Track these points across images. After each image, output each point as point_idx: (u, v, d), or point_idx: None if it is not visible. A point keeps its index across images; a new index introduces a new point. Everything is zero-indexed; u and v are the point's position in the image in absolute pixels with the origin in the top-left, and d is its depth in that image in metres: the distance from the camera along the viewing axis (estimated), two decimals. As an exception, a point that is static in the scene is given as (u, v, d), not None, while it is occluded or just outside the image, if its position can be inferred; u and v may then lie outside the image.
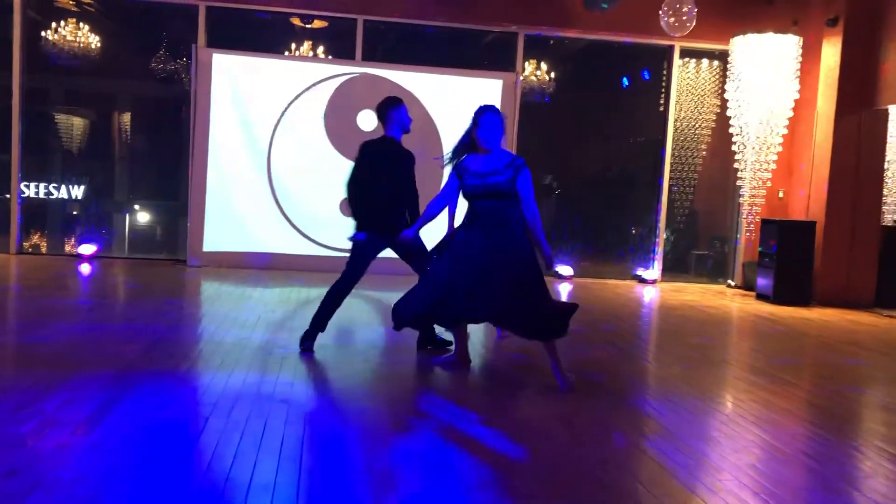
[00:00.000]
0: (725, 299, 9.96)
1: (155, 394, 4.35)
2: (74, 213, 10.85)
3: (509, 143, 10.24)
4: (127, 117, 11.28)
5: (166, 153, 11.21)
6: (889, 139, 10.04)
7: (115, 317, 6.88)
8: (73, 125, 11.17)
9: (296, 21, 10.73)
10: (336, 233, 10.25)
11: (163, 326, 6.24)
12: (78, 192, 10.71)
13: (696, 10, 8.33)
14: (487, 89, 10.43)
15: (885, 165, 10.06)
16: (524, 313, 4.82)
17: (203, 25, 10.13)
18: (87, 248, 10.21)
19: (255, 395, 4.44)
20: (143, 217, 11.33)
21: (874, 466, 3.92)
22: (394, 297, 8.52)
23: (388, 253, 10.69)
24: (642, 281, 10.91)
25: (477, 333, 6.58)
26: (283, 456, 3.52)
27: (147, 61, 10.66)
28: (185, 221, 10.22)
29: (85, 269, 9.44)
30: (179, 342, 5.75)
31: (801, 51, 9.86)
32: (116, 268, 9.72)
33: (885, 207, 10.20)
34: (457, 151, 5.05)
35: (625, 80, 11.60)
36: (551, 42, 11.12)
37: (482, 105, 5.04)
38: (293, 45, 10.94)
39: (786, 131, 9.94)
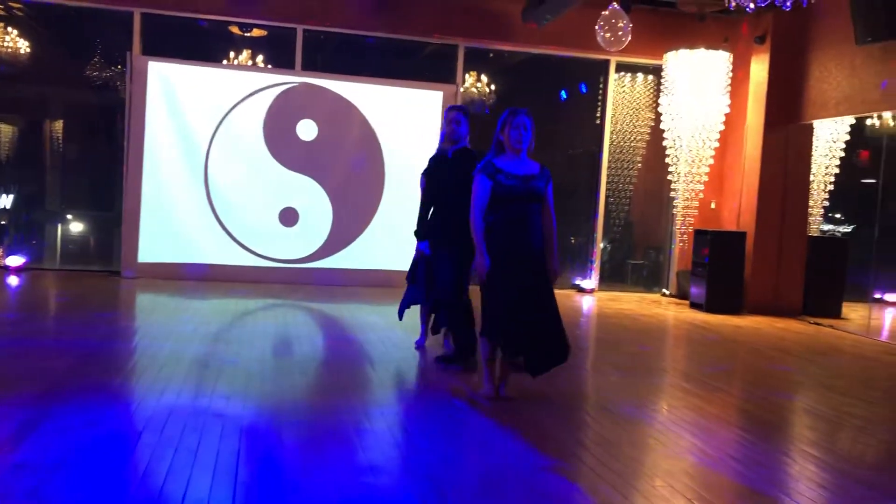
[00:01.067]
0: (660, 308, 10.17)
1: (84, 410, 4.24)
2: (2, 222, 10.50)
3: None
4: (59, 125, 10.99)
5: (100, 162, 10.95)
6: (814, 153, 10.42)
7: (44, 330, 6.68)
8: (1, 132, 10.83)
9: (234, 29, 10.61)
10: (274, 243, 10.17)
11: (94, 340, 6.09)
12: (6, 201, 10.37)
13: (631, 26, 8.52)
14: (428, 100, 10.49)
15: (811, 178, 10.43)
16: (552, 338, 4.81)
17: (138, 32, 9.93)
18: (15, 260, 9.87)
19: (190, 410, 4.37)
20: (75, 227, 11.03)
21: (800, 470, 4.06)
22: (332, 308, 8.50)
23: (328, 263, 10.61)
24: (580, 290, 11.08)
25: (406, 340, 6.59)
26: (218, 471, 3.47)
27: (81, 68, 10.40)
28: (120, 232, 9.99)
29: (13, 281, 9.14)
30: (112, 356, 5.62)
31: (731, 66, 10.16)
32: (47, 280, 9.43)
33: (811, 218, 10.57)
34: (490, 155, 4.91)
35: (563, 93, 11.78)
36: (491, 55, 11.23)
37: (511, 108, 4.90)
38: (231, 54, 10.82)
39: (717, 144, 10.22)
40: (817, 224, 10.89)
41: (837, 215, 12.08)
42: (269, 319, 7.55)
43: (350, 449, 3.90)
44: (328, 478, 3.49)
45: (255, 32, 10.66)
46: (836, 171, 10.66)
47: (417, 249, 6.11)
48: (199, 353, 5.80)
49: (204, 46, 10.66)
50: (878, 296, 11.28)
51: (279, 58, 10.62)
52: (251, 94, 10.06)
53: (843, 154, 10.66)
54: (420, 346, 6.40)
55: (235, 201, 10.09)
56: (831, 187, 10.75)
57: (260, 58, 10.79)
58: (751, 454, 4.22)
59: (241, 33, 10.67)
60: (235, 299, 8.60)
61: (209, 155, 9.99)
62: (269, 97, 10.10)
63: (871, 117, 10.94)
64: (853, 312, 10.18)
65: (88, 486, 3.21)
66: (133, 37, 9.93)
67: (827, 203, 10.85)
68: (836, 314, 9.98)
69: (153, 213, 9.88)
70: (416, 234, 6.04)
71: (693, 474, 3.84)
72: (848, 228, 12.19)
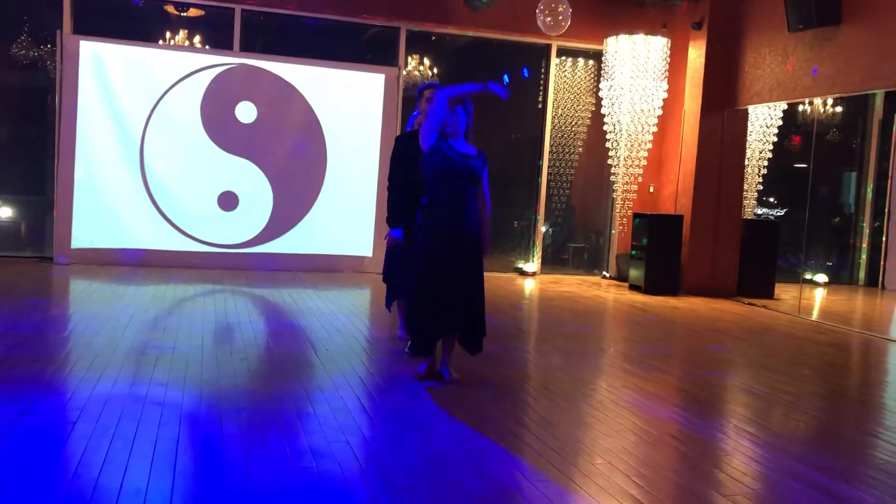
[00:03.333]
0: (601, 290, 10.33)
1: (15, 399, 4.11)
2: (-75, 208, 10.09)
3: (392, 138, 10.21)
4: (-16, 106, 10.56)
5: (30, 145, 10.58)
6: (748, 137, 10.68)
7: (-28, 319, 6.44)
8: (-77, 114, 10.38)
9: (170, 9, 10.33)
10: (213, 227, 9.99)
11: (25, 328, 5.90)
12: (-71, 185, 9.95)
13: (571, 10, 8.57)
14: (370, 83, 10.40)
15: (746, 162, 10.69)
16: (476, 318, 4.98)
17: (69, 10, 9.60)
18: (-60, 246, 9.50)
19: (127, 398, 4.27)
20: (4, 212, 10.64)
21: (734, 445, 4.17)
22: (274, 293, 8.41)
23: (269, 248, 10.44)
24: (523, 273, 11.17)
25: (349, 325, 6.55)
26: (157, 459, 3.41)
27: (6, 47, 10.00)
28: (52, 216, 9.69)
29: (-63, 268, 8.80)
30: (44, 344, 5.45)
31: (669, 52, 10.33)
32: (-26, 267, 9.10)
33: (745, 202, 10.84)
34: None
35: (505, 77, 11.80)
36: (433, 38, 11.19)
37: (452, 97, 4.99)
38: (167, 34, 10.53)
39: (655, 129, 10.39)
40: (751, 207, 11.18)
41: (771, 199, 12.41)
42: (209, 306, 7.42)
43: (293, 435, 3.87)
44: (270, 464, 3.45)
45: (192, 12, 10.40)
46: (770, 155, 10.96)
47: (390, 238, 5.66)
48: (136, 341, 5.67)
49: (138, 26, 10.35)
50: (808, 277, 11.66)
51: (217, 38, 10.39)
52: (188, 76, 9.83)
53: (776, 139, 10.96)
54: (402, 337, 6.20)
55: (173, 185, 9.87)
56: (765, 171, 11.04)
57: (197, 38, 10.53)
58: (688, 431, 4.33)
59: (178, 13, 10.40)
60: (173, 285, 8.43)
61: (145, 138, 9.74)
62: (206, 78, 9.88)
63: (803, 103, 11.26)
64: (785, 293, 10.50)
65: (20, 478, 3.12)
66: (63, 15, 9.60)
67: (761, 187, 11.14)
68: (769, 295, 10.28)
69: (87, 198, 9.60)
70: (389, 220, 5.68)
71: (632, 452, 3.92)
72: (780, 212, 12.55)
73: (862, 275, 12.36)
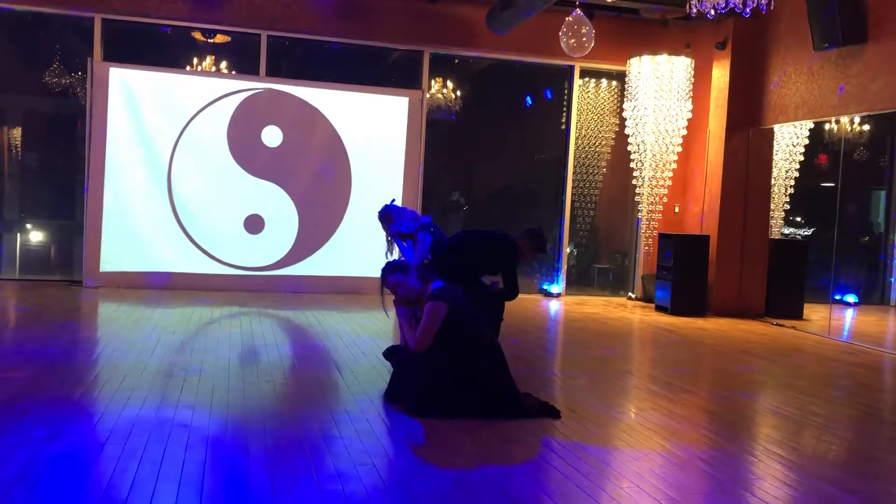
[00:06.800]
0: (626, 311, 10.25)
1: (45, 422, 4.15)
2: (-41, 233, 10.27)
3: (416, 161, 10.31)
4: (17, 132, 10.77)
5: (61, 170, 10.77)
6: (774, 156, 10.59)
7: (2, 341, 6.54)
8: (-43, 141, 10.59)
9: (197, 35, 10.51)
10: (239, 250, 10.08)
11: (55, 351, 5.97)
12: (-38, 210, 10.14)
13: (594, 31, 8.59)
14: (393, 106, 10.48)
15: (772, 181, 10.60)
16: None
17: (99, 38, 9.80)
18: (-27, 270, 9.66)
19: (155, 420, 4.30)
20: (35, 236, 10.81)
21: (765, 468, 4.11)
22: (299, 315, 8.44)
23: (295, 270, 10.49)
24: (548, 294, 11.13)
25: (374, 347, 6.55)
26: (184, 481, 3.42)
27: (39, 75, 10.21)
28: (81, 241, 9.83)
29: (-30, 292, 8.94)
30: (73, 367, 5.51)
31: (693, 72, 10.31)
32: (6, 290, 9.24)
33: (772, 221, 10.74)
34: None
35: (528, 98, 11.84)
36: (456, 61, 11.26)
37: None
38: (195, 60, 10.70)
39: (680, 149, 10.35)
40: (779, 227, 11.06)
41: (798, 218, 12.28)
42: (235, 328, 7.47)
43: (319, 457, 3.87)
44: (297, 487, 3.45)
45: (219, 38, 10.56)
46: (797, 174, 10.85)
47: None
48: (162, 363, 5.72)
49: (167, 52, 10.53)
50: (837, 297, 11.49)
51: (243, 64, 10.54)
52: (215, 101, 9.97)
53: (802, 158, 10.85)
54: None
55: (199, 209, 9.98)
56: (792, 191, 10.93)
57: (224, 64, 10.70)
58: (717, 454, 4.27)
59: (205, 39, 10.56)
60: (200, 308, 8.50)
61: (172, 162, 9.88)
62: (233, 103, 10.02)
63: (829, 122, 11.17)
64: (814, 314, 10.35)
65: (50, 501, 3.15)
66: (94, 43, 9.79)
67: (788, 206, 11.03)
68: (798, 316, 10.14)
69: (115, 222, 9.74)
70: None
71: (661, 475, 3.87)
72: (808, 231, 12.41)
73: (893, 294, 12.15)
